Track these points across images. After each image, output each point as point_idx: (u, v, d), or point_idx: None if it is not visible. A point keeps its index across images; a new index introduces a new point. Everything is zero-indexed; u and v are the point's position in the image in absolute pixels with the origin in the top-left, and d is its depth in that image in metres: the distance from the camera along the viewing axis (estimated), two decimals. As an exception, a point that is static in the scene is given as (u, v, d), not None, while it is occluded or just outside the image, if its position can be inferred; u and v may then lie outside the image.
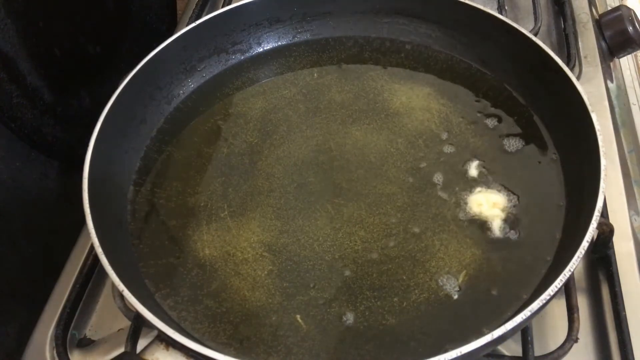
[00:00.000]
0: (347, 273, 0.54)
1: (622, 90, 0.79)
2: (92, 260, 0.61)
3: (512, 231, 0.56)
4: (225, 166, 0.64)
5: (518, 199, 0.57)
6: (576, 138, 0.57)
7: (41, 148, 0.69)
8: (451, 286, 0.53)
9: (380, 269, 0.54)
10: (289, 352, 0.50)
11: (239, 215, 0.59)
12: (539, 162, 0.60)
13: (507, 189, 0.58)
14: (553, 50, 0.60)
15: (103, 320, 0.60)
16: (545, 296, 0.44)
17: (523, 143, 0.62)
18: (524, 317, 0.44)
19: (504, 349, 0.53)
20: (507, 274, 0.53)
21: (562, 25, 0.80)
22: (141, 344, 0.52)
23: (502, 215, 0.56)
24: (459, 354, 0.42)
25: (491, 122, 0.64)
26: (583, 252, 0.46)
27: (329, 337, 0.51)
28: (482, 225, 0.56)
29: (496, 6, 0.78)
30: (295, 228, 0.58)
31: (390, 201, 0.59)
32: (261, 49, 0.73)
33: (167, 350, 0.46)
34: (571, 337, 0.50)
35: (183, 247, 0.58)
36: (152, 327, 0.46)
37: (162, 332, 0.45)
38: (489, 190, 0.58)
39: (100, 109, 0.59)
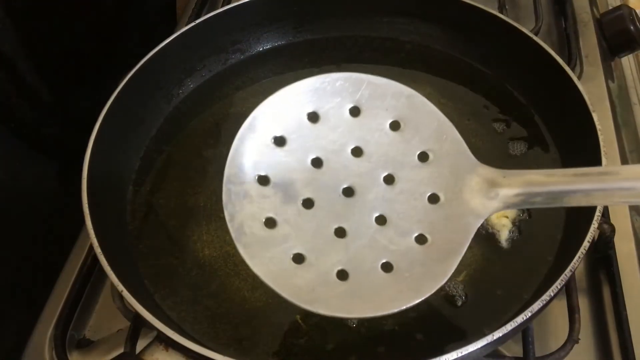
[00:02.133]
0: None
1: (623, 90, 0.79)
2: (91, 261, 0.61)
3: (513, 233, 0.55)
4: (225, 166, 0.63)
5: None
6: (577, 138, 0.56)
7: (40, 148, 0.69)
8: (451, 286, 0.53)
9: (380, 269, 0.54)
10: (289, 353, 0.50)
11: (238, 215, 0.59)
12: (540, 162, 0.60)
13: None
14: (554, 49, 0.60)
15: (102, 321, 0.60)
16: (546, 297, 0.44)
17: (523, 143, 0.62)
18: (525, 318, 0.44)
19: (504, 350, 0.52)
20: (507, 274, 0.53)
21: (563, 25, 0.79)
22: (140, 344, 0.51)
23: (510, 226, 0.56)
24: (459, 355, 0.42)
25: (491, 122, 0.64)
26: (584, 252, 0.46)
27: (329, 338, 0.51)
28: (482, 226, 0.56)
29: (497, 5, 0.78)
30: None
31: (390, 201, 0.58)
32: (261, 48, 0.73)
33: (167, 351, 0.46)
34: (572, 338, 0.50)
35: (182, 247, 0.57)
36: (151, 327, 0.46)
37: (161, 333, 0.45)
38: None
39: (99, 108, 0.59)
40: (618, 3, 0.87)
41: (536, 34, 0.67)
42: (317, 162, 0.42)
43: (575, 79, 0.57)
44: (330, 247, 0.40)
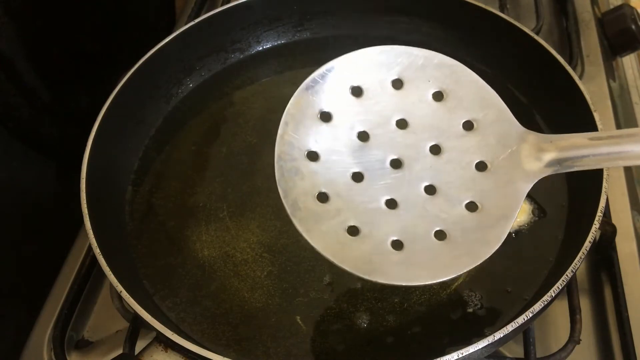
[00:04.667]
0: (348, 274, 0.53)
1: (624, 89, 0.78)
2: (90, 261, 0.60)
3: (514, 233, 0.55)
4: (224, 166, 0.63)
5: (537, 211, 0.56)
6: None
7: (39, 148, 0.69)
8: (452, 287, 0.52)
9: (380, 269, 0.54)
10: (288, 354, 0.50)
11: (238, 215, 0.59)
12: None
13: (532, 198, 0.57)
14: (555, 49, 0.59)
15: (101, 322, 0.60)
16: (547, 297, 0.44)
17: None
18: (526, 319, 0.43)
19: (505, 351, 0.52)
20: (508, 275, 0.53)
21: (564, 24, 0.79)
22: (139, 345, 0.51)
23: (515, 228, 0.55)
24: (460, 355, 0.42)
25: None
26: (585, 252, 0.46)
27: (329, 339, 0.50)
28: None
29: (498, 4, 0.77)
30: (295, 228, 0.57)
31: (390, 201, 0.58)
32: (260, 48, 0.73)
33: (166, 352, 0.46)
34: (573, 339, 0.50)
35: (182, 248, 0.57)
36: (150, 328, 0.46)
37: (160, 334, 0.45)
38: None
39: (98, 108, 0.59)
40: (619, 2, 0.87)
41: (537, 33, 0.66)
42: (363, 136, 0.43)
43: (576, 78, 0.56)
44: (382, 219, 0.41)
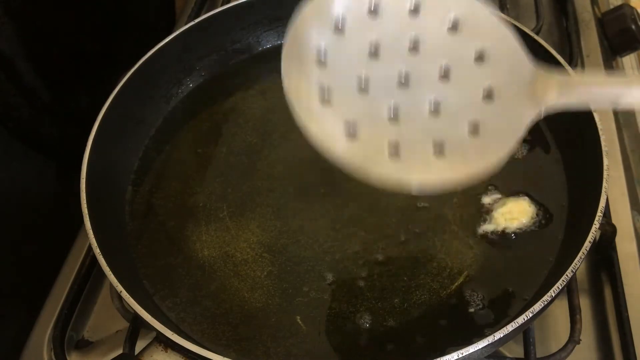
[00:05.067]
0: (348, 274, 0.54)
1: (624, 90, 0.78)
2: (90, 261, 0.60)
3: (514, 233, 0.55)
4: (224, 166, 0.63)
5: (542, 213, 0.56)
6: (578, 138, 0.56)
7: (39, 148, 0.69)
8: (452, 287, 0.52)
9: (381, 270, 0.54)
10: (288, 354, 0.50)
11: (238, 215, 0.59)
12: (541, 162, 0.60)
13: (531, 197, 0.57)
14: (555, 49, 0.59)
15: (101, 322, 0.60)
16: (547, 297, 0.44)
17: (524, 143, 0.61)
18: (526, 319, 0.43)
19: (505, 351, 0.52)
20: (508, 275, 0.53)
21: (565, 24, 0.79)
22: (139, 345, 0.51)
23: (511, 226, 0.55)
24: (460, 356, 0.42)
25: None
26: (585, 252, 0.46)
27: (329, 339, 0.50)
28: (483, 225, 0.56)
29: (498, 4, 0.77)
30: (295, 228, 0.57)
31: (391, 201, 0.58)
32: (260, 48, 0.73)
33: (166, 352, 0.46)
34: (573, 339, 0.50)
35: (182, 248, 0.57)
36: (150, 328, 0.46)
37: (160, 334, 0.45)
38: (518, 200, 0.57)
39: (98, 108, 0.59)
40: (619, 2, 0.87)
41: (537, 33, 0.66)
42: (373, 53, 0.43)
43: (576, 78, 0.56)
44: (383, 128, 0.42)
